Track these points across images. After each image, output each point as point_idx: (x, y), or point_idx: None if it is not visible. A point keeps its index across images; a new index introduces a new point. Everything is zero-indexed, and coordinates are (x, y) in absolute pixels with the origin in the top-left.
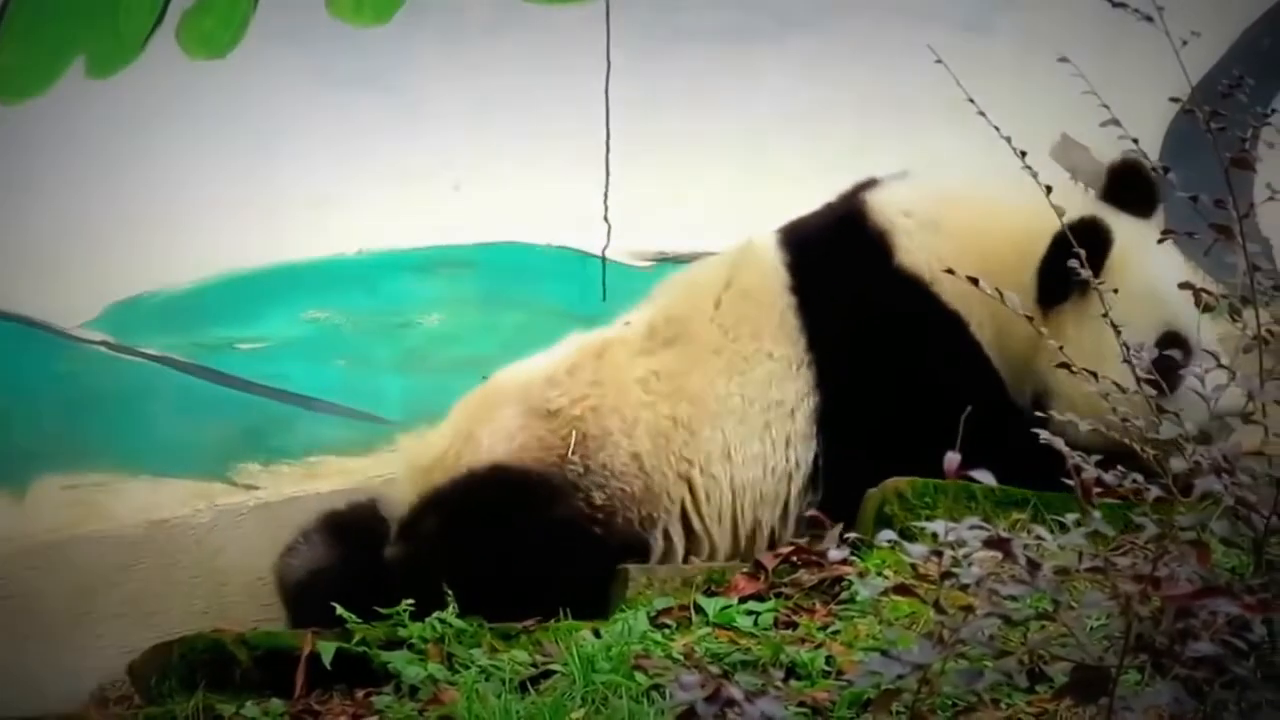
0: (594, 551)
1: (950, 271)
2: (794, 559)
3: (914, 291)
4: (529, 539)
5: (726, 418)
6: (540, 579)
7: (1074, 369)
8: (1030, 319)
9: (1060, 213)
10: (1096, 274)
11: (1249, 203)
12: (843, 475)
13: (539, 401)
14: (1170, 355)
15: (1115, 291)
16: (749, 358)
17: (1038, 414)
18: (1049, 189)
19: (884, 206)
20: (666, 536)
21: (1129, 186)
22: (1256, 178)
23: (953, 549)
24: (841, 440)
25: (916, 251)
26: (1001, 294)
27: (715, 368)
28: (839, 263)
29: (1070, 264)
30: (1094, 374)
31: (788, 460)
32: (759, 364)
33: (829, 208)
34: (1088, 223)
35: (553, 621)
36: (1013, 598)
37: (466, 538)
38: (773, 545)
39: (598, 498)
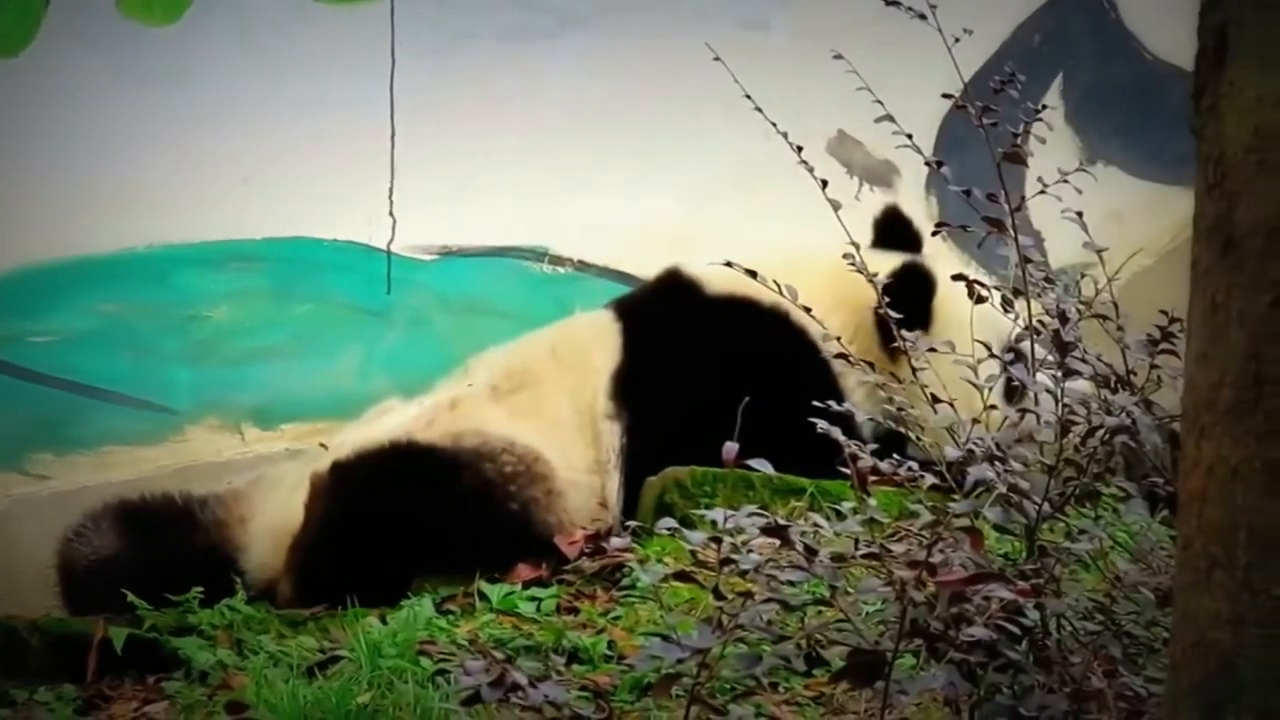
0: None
1: (752, 274)
2: (587, 545)
3: (728, 307)
4: None
5: (572, 433)
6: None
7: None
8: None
9: (836, 206)
10: (927, 313)
11: (1021, 196)
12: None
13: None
14: (1016, 366)
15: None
16: (583, 380)
17: (815, 404)
18: (824, 183)
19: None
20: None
21: (893, 231)
22: (1028, 172)
23: (731, 536)
24: (646, 437)
25: (727, 281)
26: (781, 287)
27: (560, 396)
28: (656, 298)
29: (893, 321)
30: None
31: (611, 462)
32: (589, 381)
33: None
34: (909, 268)
35: (339, 609)
36: (790, 583)
37: None
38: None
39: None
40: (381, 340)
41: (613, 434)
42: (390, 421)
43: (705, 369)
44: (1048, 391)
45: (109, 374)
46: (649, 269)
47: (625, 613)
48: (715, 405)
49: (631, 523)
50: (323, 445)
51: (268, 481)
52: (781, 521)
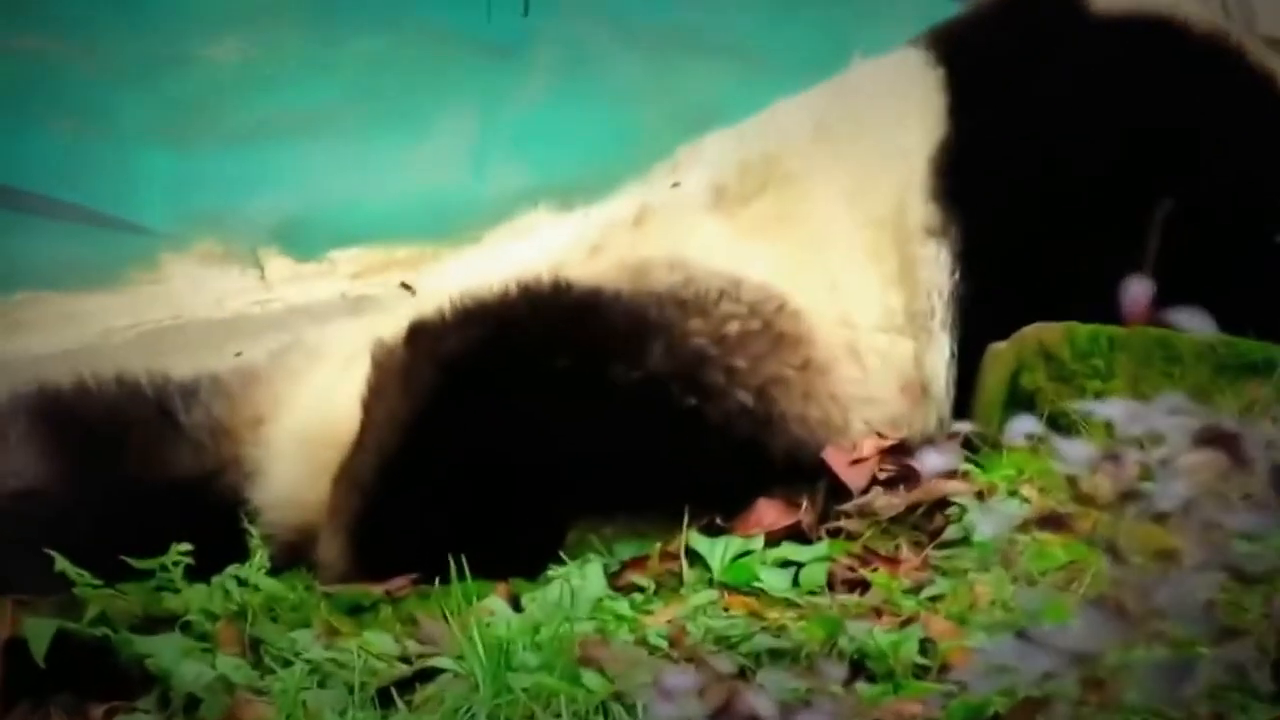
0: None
1: None
2: (884, 466)
3: (1130, 37)
4: None
5: (853, 264)
6: None
7: None
8: None
9: None
10: None
11: None
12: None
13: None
14: None
15: None
16: (877, 172)
17: None
18: None
19: None
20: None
21: None
22: None
23: (1141, 448)
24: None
25: None
26: None
27: (832, 200)
28: (1003, 25)
29: None
30: None
31: (931, 314)
32: (889, 174)
33: None
34: None
35: (435, 584)
36: (1247, 537)
37: None
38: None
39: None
40: (512, 101)
41: (935, 264)
42: (525, 248)
43: (1092, 147)
44: None
45: (29, 163)
46: None
47: (952, 588)
48: (1110, 214)
49: (962, 425)
50: (405, 287)
51: (302, 354)
52: (1231, 424)
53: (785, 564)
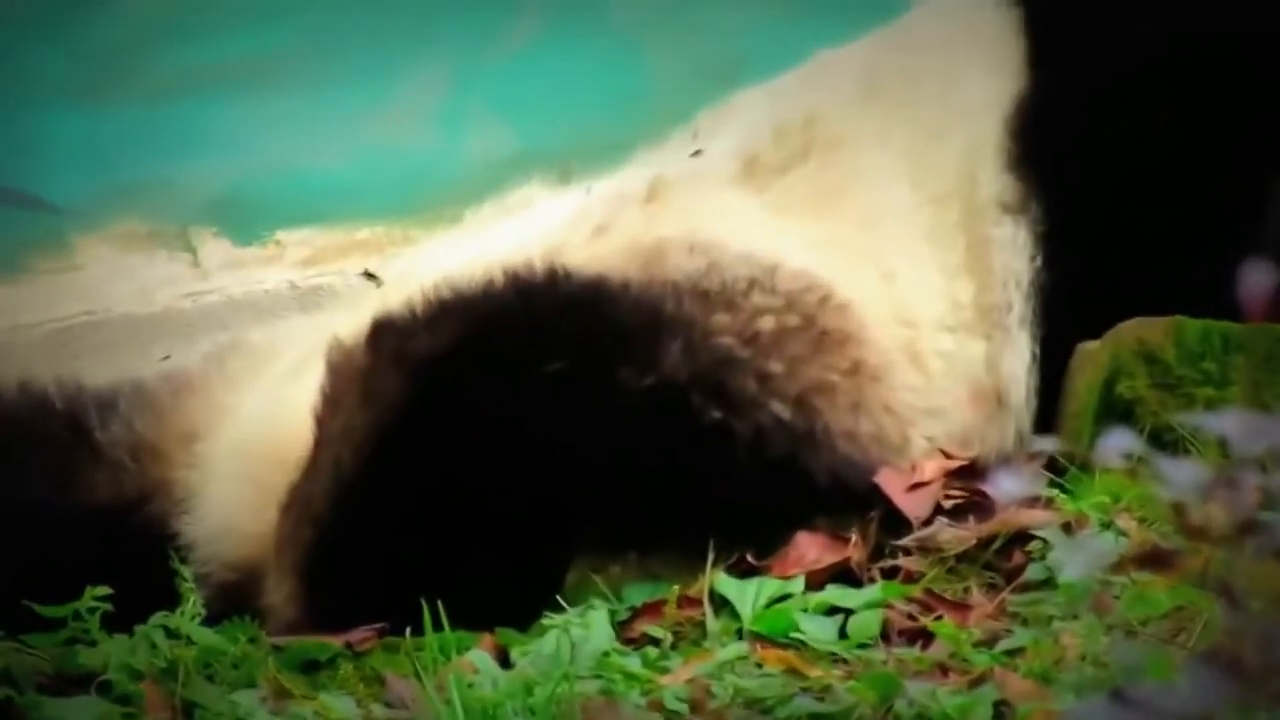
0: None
1: None
2: (950, 492)
3: None
4: None
5: (911, 247)
6: None
7: None
8: None
9: None
10: None
11: None
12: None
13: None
14: None
15: None
16: (938, 135)
17: None
18: None
19: None
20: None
21: None
22: None
23: (1263, 470)
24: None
25: None
26: None
27: (885, 169)
28: None
29: None
30: None
31: (1007, 307)
32: (954, 137)
33: None
34: None
35: (405, 635)
36: None
37: None
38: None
39: None
40: (497, 49)
41: (1011, 247)
42: (514, 228)
43: (1202, 103)
44: None
45: None
46: None
47: (1033, 640)
48: (1223, 184)
49: (1046, 442)
50: (368, 276)
51: (244, 357)
52: None
53: (831, 611)
